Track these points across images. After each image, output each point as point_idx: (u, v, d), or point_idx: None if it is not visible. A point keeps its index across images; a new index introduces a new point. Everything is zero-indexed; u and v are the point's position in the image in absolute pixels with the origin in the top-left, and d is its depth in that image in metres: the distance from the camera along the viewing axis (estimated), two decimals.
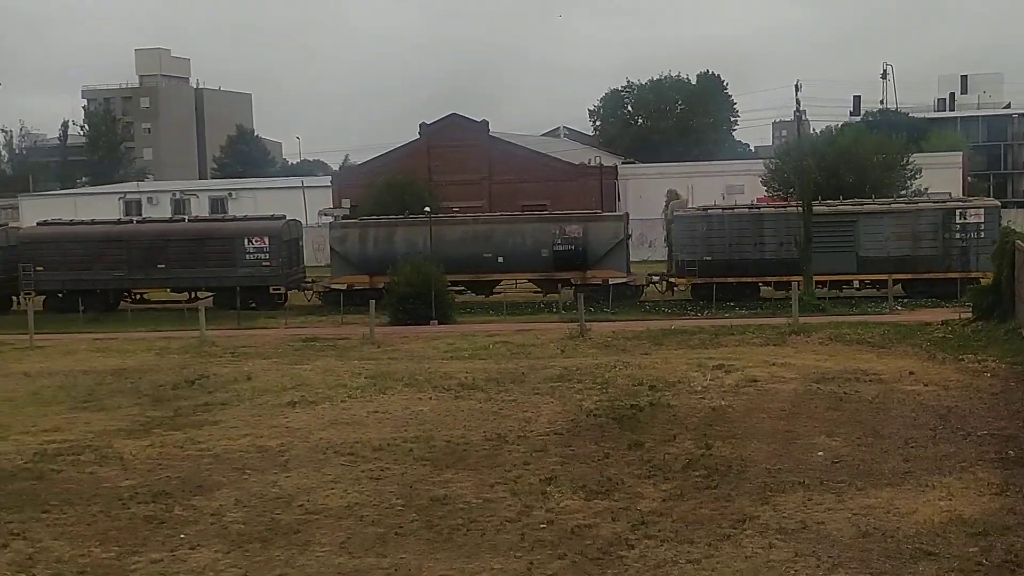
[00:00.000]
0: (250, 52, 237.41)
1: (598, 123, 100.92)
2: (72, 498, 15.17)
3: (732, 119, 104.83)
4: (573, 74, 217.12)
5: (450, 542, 12.93)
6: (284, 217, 45.85)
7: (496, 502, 14.40)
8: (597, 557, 12.23)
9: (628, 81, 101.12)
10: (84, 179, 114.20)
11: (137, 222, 48.20)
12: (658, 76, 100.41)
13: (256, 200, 75.85)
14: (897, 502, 13.74)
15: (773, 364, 24.00)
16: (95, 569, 12.41)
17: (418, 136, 72.18)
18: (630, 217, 46.53)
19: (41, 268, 43.28)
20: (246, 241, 42.92)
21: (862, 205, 41.88)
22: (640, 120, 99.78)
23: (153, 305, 44.31)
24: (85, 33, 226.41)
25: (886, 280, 38.09)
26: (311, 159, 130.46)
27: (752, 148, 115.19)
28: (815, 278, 39.10)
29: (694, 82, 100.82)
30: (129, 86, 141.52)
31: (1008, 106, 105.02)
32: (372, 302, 34.03)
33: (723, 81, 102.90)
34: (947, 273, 38.93)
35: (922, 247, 39.84)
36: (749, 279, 40.36)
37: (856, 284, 40.46)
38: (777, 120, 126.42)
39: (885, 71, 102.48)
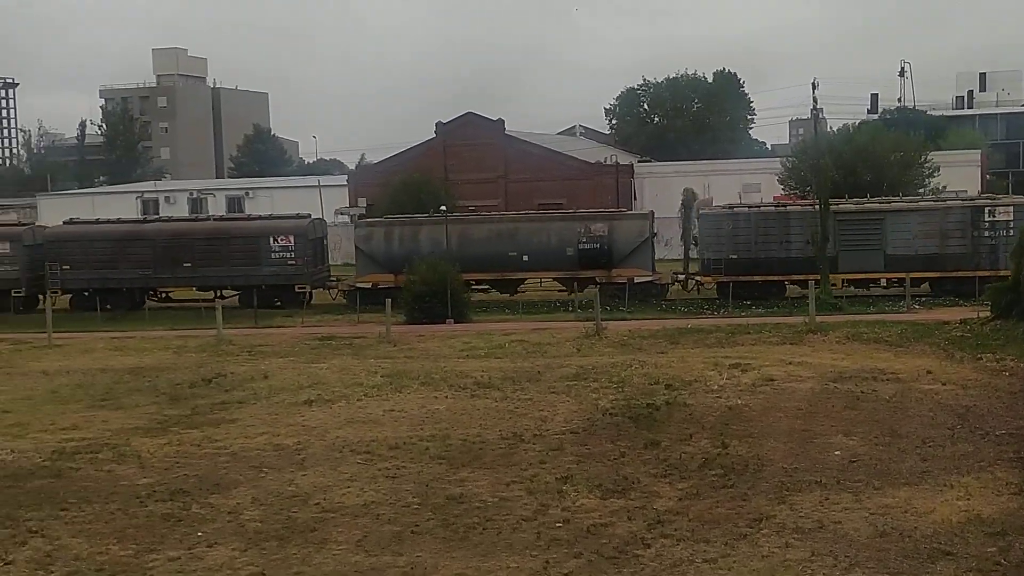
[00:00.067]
0: (267, 52, 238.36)
1: (614, 122, 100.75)
2: (90, 496, 15.25)
3: (749, 117, 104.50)
4: (589, 73, 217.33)
5: (466, 541, 12.94)
6: (309, 216, 45.91)
7: (512, 501, 14.40)
8: (613, 556, 12.22)
9: (644, 79, 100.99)
10: (102, 178, 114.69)
11: (162, 221, 48.25)
12: (674, 74, 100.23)
13: (273, 199, 76.06)
14: (915, 502, 13.69)
15: (790, 363, 23.94)
16: (113, 567, 12.47)
17: (434, 135, 72.19)
18: None
19: (67, 267, 43.45)
20: (272, 240, 43.00)
21: (889, 203, 41.64)
22: (656, 119, 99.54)
23: (178, 304, 44.36)
24: (103, 34, 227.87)
25: (913, 278, 37.93)
26: (327, 158, 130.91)
27: (769, 146, 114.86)
28: (842, 276, 38.98)
29: (711, 80, 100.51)
30: (146, 86, 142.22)
31: None
32: (388, 301, 34.06)
33: (740, 79, 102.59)
34: (976, 271, 38.48)
35: (950, 245, 39.51)
36: (775, 277, 40.17)
37: (883, 282, 40.19)
38: (794, 118, 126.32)
39: (903, 68, 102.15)
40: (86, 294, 43.15)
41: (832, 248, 39.31)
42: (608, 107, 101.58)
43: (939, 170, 58.23)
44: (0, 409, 22.23)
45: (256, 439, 18.53)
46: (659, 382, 21.96)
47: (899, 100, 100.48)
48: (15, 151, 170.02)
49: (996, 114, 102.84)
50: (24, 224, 50.56)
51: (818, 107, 42.95)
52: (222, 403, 22.13)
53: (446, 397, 21.64)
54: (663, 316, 36.56)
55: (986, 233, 39.32)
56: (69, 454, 17.75)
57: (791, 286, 39.91)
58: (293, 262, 42.77)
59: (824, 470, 15.30)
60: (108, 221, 47.44)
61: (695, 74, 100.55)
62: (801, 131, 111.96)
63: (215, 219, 49.00)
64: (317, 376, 24.54)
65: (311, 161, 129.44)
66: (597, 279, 41.19)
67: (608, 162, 72.52)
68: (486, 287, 42.28)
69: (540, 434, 18.09)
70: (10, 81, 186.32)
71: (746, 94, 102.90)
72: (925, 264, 39.14)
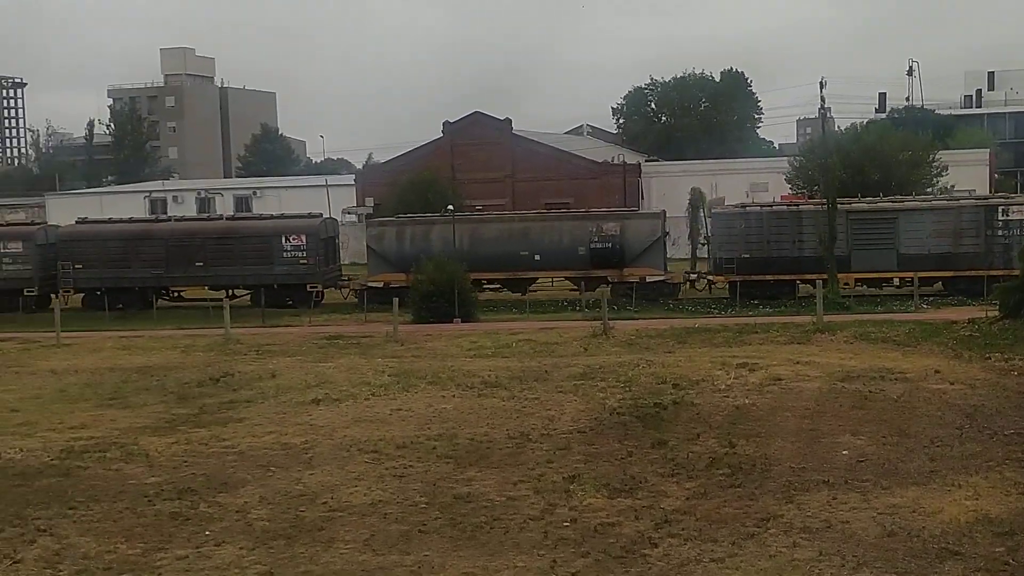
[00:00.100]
0: (274, 52, 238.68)
1: (621, 121, 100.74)
2: (98, 495, 15.28)
3: (756, 116, 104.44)
4: (596, 72, 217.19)
5: (473, 540, 12.95)
6: (321, 215, 45.92)
7: (519, 500, 14.41)
8: (620, 555, 12.22)
9: (651, 79, 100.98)
10: (110, 178, 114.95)
11: (175, 220, 48.34)
12: (682, 74, 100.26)
13: (280, 199, 76.20)
14: (923, 501, 13.67)
15: (797, 362, 23.89)
16: (121, 565, 12.50)
17: (441, 134, 72.27)
18: None
19: (80, 266, 43.57)
20: (283, 239, 43.06)
21: (903, 202, 41.57)
22: (664, 118, 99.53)
23: (190, 303, 44.41)
24: (111, 33, 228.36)
25: (926, 277, 37.84)
26: (335, 157, 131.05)
27: (776, 146, 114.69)
28: (855, 276, 38.90)
29: (718, 79, 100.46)
30: (154, 85, 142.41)
31: None
32: (395, 300, 34.10)
33: (747, 78, 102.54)
34: (989, 271, 38.35)
35: (963, 244, 39.43)
36: (788, 276, 40.11)
37: (896, 282, 40.09)
38: (801, 117, 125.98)
39: (911, 67, 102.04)
40: (98, 293, 43.23)
41: (845, 247, 39.27)
42: (615, 106, 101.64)
43: (947, 169, 58.12)
44: (9, 408, 22.31)
45: (264, 438, 18.56)
46: (666, 381, 21.94)
47: (907, 99, 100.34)
48: (23, 151, 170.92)
49: (1005, 113, 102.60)
50: (37, 223, 50.63)
51: (826, 106, 43.02)
52: (230, 402, 22.16)
53: (453, 396, 21.64)
54: (670, 316, 36.54)
55: (1000, 232, 39.19)
56: (77, 453, 17.79)
57: (803, 285, 39.86)
58: (305, 261, 42.84)
59: (832, 470, 15.28)
60: (121, 220, 47.57)
61: (703, 73, 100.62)
62: (809, 130, 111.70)
63: (227, 218, 49.11)
64: (324, 375, 24.56)
65: (318, 161, 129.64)
66: (609, 278, 41.22)
67: (615, 161, 72.51)
68: (498, 286, 42.34)
69: (547, 433, 18.09)
70: (18, 81, 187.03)
71: (754, 93, 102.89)
72: (938, 263, 39.06)
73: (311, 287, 42.78)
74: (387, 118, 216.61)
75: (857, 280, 39.07)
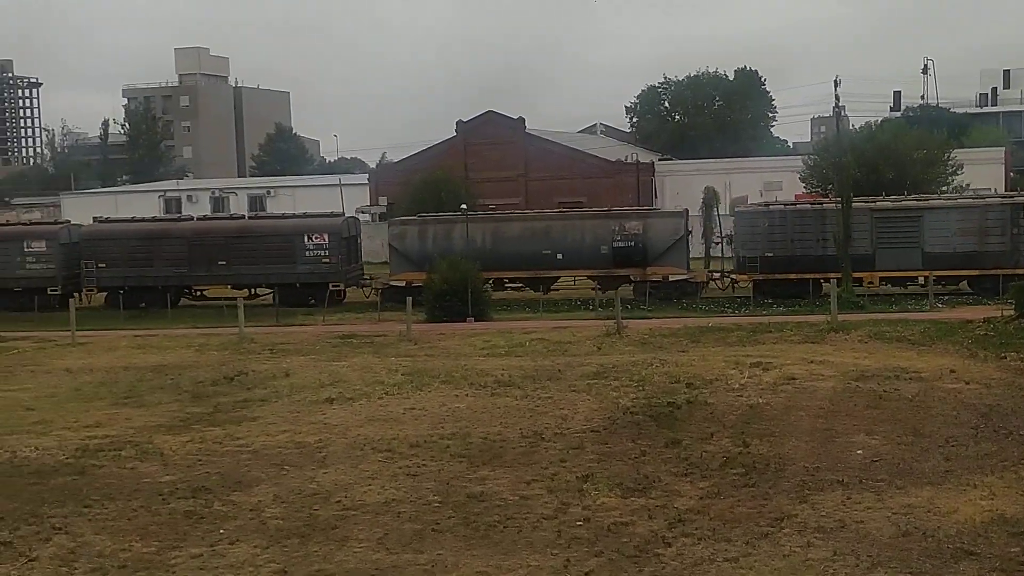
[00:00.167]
0: (288, 51, 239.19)
1: (635, 120, 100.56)
2: (113, 493, 15.34)
3: (770, 115, 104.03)
4: (610, 71, 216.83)
5: (487, 539, 12.95)
6: (343, 214, 45.93)
7: (533, 499, 14.41)
8: (634, 555, 12.21)
9: (665, 77, 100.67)
10: (125, 177, 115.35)
11: (196, 219, 48.47)
12: (695, 72, 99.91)
13: (294, 198, 76.34)
14: (938, 501, 13.62)
15: (812, 362, 23.83)
16: (136, 563, 12.54)
17: (455, 133, 72.30)
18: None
19: (103, 265, 43.70)
20: (306, 238, 43.16)
21: (927, 200, 41.40)
22: (677, 117, 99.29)
23: (212, 302, 44.45)
24: (126, 33, 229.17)
25: (951, 276, 37.63)
26: (348, 157, 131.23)
27: (790, 144, 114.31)
28: (879, 274, 38.80)
29: (732, 78, 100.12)
30: (169, 85, 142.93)
31: None
32: (409, 299, 34.10)
33: (761, 77, 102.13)
34: (1015, 269, 38.07)
35: (989, 243, 39.20)
36: (811, 275, 39.98)
37: (921, 280, 39.89)
38: (816, 116, 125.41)
39: (926, 66, 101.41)
40: (121, 292, 43.36)
41: (870, 246, 39.16)
42: (629, 105, 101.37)
43: (962, 168, 57.85)
44: (24, 407, 22.41)
45: (277, 437, 18.61)
46: (680, 381, 21.91)
47: (922, 98, 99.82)
48: (39, 150, 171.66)
49: (1020, 111, 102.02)
50: (60, 223, 50.79)
51: (840, 105, 42.82)
52: (244, 401, 22.22)
53: (467, 395, 21.65)
54: (684, 315, 36.47)
55: None
56: (92, 451, 17.87)
57: (826, 284, 39.68)
58: (327, 260, 42.93)
59: (846, 469, 15.23)
60: (143, 219, 47.67)
61: (716, 72, 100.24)
62: (823, 129, 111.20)
63: (249, 217, 49.25)
64: (338, 374, 24.61)
65: (332, 160, 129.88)
66: (632, 277, 41.16)
67: (628, 160, 72.41)
68: (520, 285, 42.35)
69: (561, 432, 18.09)
70: (34, 81, 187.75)
71: (767, 92, 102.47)
72: (964, 262, 38.84)
73: (333, 286, 42.88)
74: (400, 117, 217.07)
75: (882, 279, 38.94)
